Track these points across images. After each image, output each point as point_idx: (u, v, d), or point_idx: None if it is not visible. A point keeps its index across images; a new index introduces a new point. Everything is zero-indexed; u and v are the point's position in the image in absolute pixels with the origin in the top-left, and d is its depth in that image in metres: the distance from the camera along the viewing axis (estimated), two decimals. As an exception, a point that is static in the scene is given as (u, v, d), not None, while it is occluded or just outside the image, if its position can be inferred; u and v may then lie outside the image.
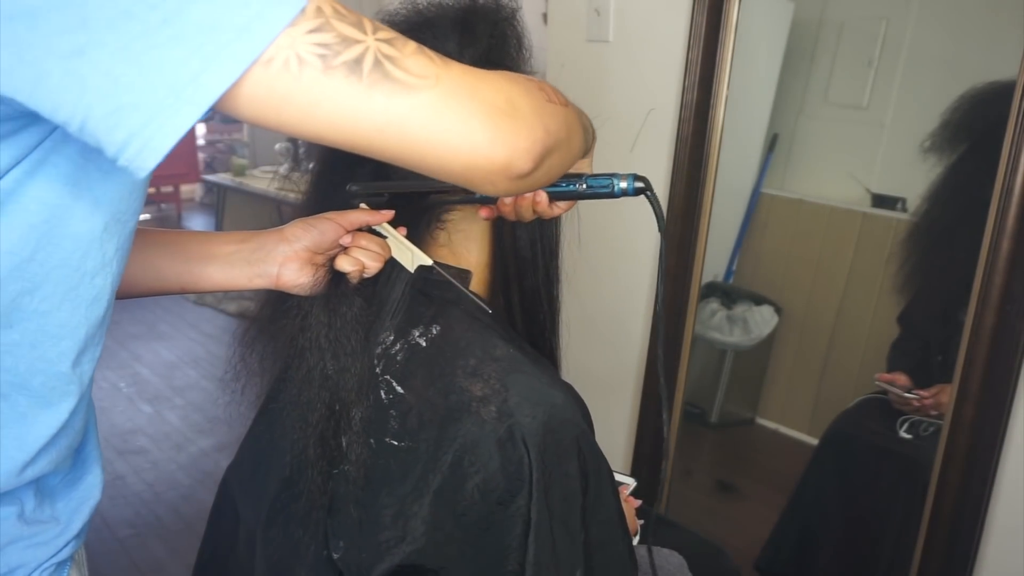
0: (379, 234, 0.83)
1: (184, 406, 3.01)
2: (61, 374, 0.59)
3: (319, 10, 0.48)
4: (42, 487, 0.65)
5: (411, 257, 0.82)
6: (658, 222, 0.78)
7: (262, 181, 4.22)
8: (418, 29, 0.83)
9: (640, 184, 0.77)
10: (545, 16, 1.83)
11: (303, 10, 0.47)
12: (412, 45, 0.52)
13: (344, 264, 0.80)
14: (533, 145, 0.56)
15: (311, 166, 0.90)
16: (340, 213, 0.81)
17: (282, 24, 0.46)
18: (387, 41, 0.51)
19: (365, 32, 0.50)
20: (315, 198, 0.88)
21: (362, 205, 0.82)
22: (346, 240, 0.80)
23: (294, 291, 0.81)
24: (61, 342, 0.58)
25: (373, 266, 0.81)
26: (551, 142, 0.58)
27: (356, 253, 0.81)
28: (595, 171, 0.79)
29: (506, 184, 0.57)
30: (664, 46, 1.56)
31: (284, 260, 0.80)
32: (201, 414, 2.94)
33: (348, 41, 0.49)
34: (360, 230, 0.81)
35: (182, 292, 0.82)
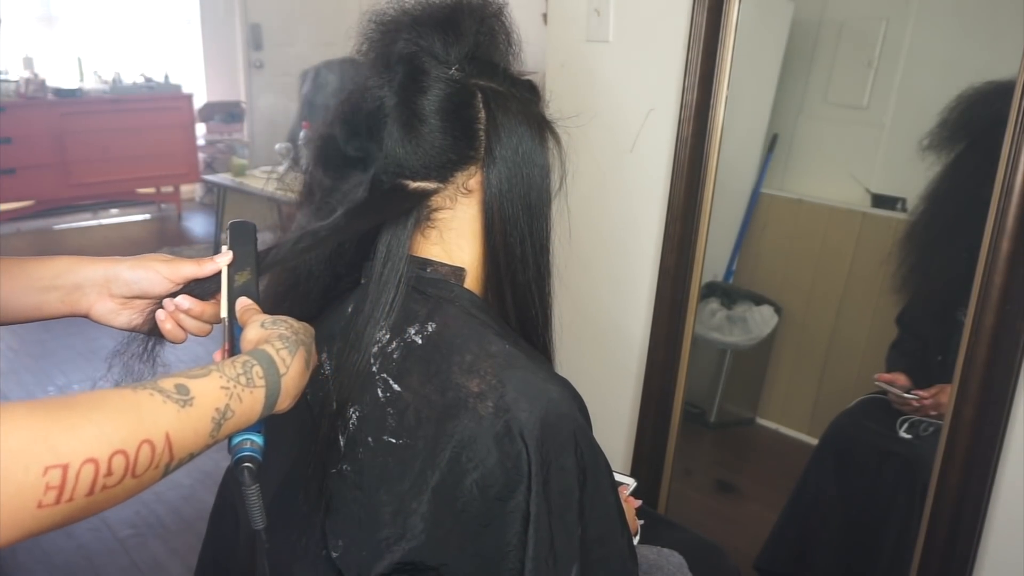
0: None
1: (184, 406, 3.00)
2: None
3: None
4: None
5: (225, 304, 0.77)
6: (251, 519, 0.67)
7: (262, 181, 4.22)
8: (404, 28, 0.83)
9: (243, 455, 0.66)
10: (545, 16, 1.83)
11: None
12: None
13: (167, 327, 0.78)
14: None
15: (304, 167, 0.90)
16: (170, 264, 0.78)
17: None
18: None
19: None
20: (308, 201, 0.88)
21: (223, 247, 0.79)
22: (169, 305, 0.77)
23: (108, 325, 0.80)
24: None
25: (198, 332, 0.80)
26: None
27: (179, 318, 0.78)
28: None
29: None
30: (664, 46, 1.56)
31: (98, 298, 0.78)
32: (201, 414, 2.93)
33: None
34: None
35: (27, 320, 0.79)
